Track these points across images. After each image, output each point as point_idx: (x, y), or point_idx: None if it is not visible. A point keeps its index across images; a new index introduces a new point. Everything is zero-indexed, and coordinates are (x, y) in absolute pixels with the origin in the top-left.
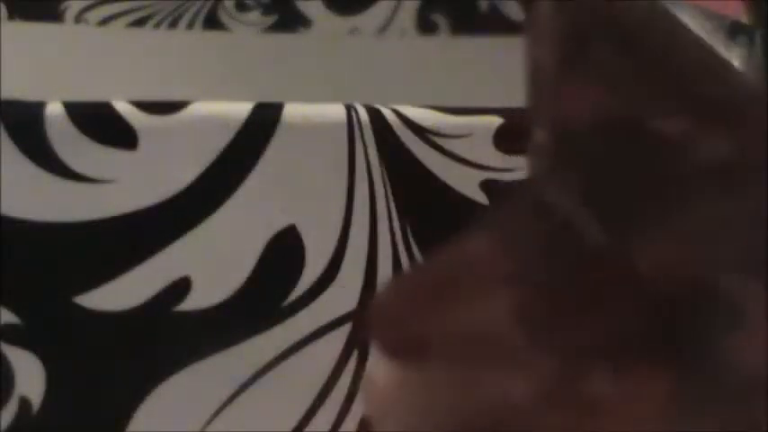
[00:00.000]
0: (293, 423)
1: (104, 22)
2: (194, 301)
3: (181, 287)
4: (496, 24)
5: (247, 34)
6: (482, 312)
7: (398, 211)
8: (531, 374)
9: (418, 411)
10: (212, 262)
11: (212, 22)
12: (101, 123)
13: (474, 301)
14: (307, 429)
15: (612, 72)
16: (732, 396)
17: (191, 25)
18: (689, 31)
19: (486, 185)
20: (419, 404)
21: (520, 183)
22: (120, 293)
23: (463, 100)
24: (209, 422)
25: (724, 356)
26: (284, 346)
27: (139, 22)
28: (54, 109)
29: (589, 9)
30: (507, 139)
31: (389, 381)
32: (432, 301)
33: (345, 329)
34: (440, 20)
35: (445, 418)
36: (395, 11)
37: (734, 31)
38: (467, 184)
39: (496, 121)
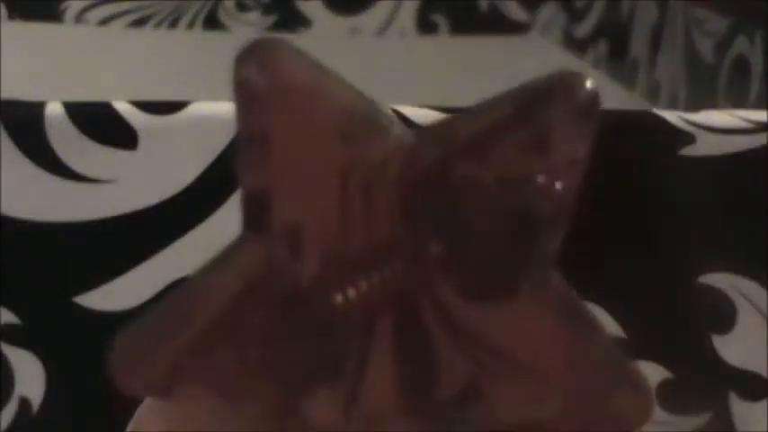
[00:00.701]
0: None
1: (104, 22)
2: None
3: None
4: (496, 24)
5: (247, 34)
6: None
7: None
8: (258, 400)
9: None
10: None
11: (212, 22)
12: (101, 123)
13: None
14: None
15: None
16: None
17: (191, 25)
18: None
19: None
20: None
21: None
22: (120, 293)
23: (463, 100)
24: None
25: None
26: None
27: (140, 22)
28: (54, 109)
29: None
30: None
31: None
32: (169, 335)
33: None
34: (440, 20)
35: None
36: (395, 11)
37: (734, 30)
38: None
39: None
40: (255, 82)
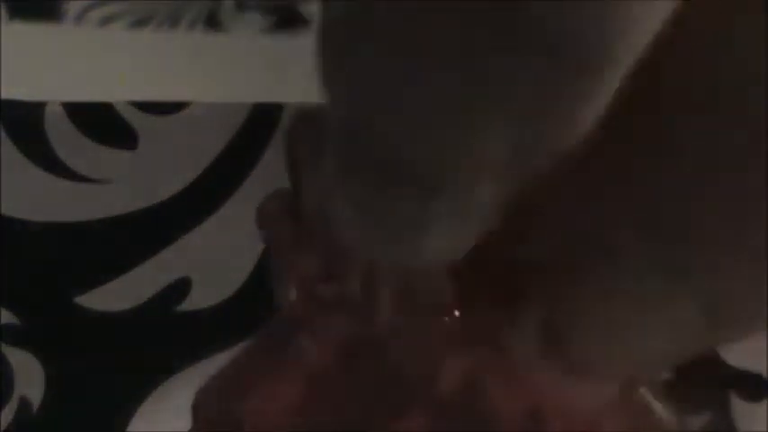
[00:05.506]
0: None
1: (105, 22)
2: (194, 302)
3: (181, 287)
4: None
5: (248, 35)
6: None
7: None
8: None
9: None
10: (212, 262)
11: (213, 23)
12: (101, 123)
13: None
14: None
15: None
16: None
17: (191, 26)
18: None
19: None
20: None
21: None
22: (120, 293)
23: None
24: None
25: None
26: None
27: (140, 23)
28: (54, 109)
29: None
30: None
31: None
32: (245, 384)
33: None
34: None
35: None
36: None
37: None
38: None
39: None
40: None
